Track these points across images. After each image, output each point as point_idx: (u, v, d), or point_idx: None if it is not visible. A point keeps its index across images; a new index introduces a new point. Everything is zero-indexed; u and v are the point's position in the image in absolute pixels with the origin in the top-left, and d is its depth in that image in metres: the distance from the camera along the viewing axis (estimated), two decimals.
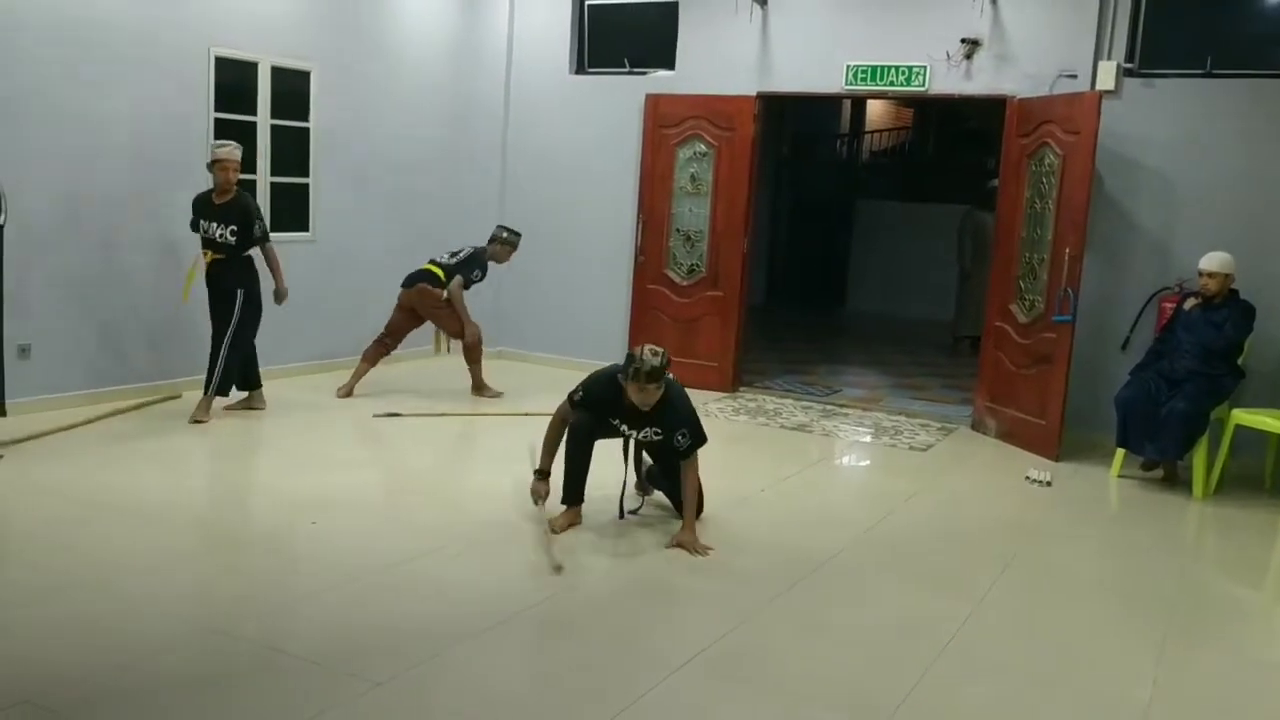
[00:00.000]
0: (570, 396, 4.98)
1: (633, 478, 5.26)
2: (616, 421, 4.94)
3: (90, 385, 6.75)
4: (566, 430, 4.98)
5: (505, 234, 7.99)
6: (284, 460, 5.92)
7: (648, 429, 4.89)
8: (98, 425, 6.32)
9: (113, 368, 6.88)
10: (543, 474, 5.04)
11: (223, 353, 6.56)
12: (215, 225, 6.50)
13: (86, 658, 3.49)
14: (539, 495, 5.00)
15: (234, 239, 6.50)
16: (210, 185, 6.59)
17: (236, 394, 6.88)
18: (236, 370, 6.71)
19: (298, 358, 8.13)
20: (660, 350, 4.70)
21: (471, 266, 7.81)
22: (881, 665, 3.75)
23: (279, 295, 6.75)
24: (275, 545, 4.79)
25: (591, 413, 4.91)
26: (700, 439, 4.90)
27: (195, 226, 6.62)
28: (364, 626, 3.84)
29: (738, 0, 8.20)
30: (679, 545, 4.81)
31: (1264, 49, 7.05)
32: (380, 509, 5.20)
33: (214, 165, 6.48)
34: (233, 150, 6.52)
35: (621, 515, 5.12)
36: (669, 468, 5.07)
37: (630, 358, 4.68)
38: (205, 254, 6.57)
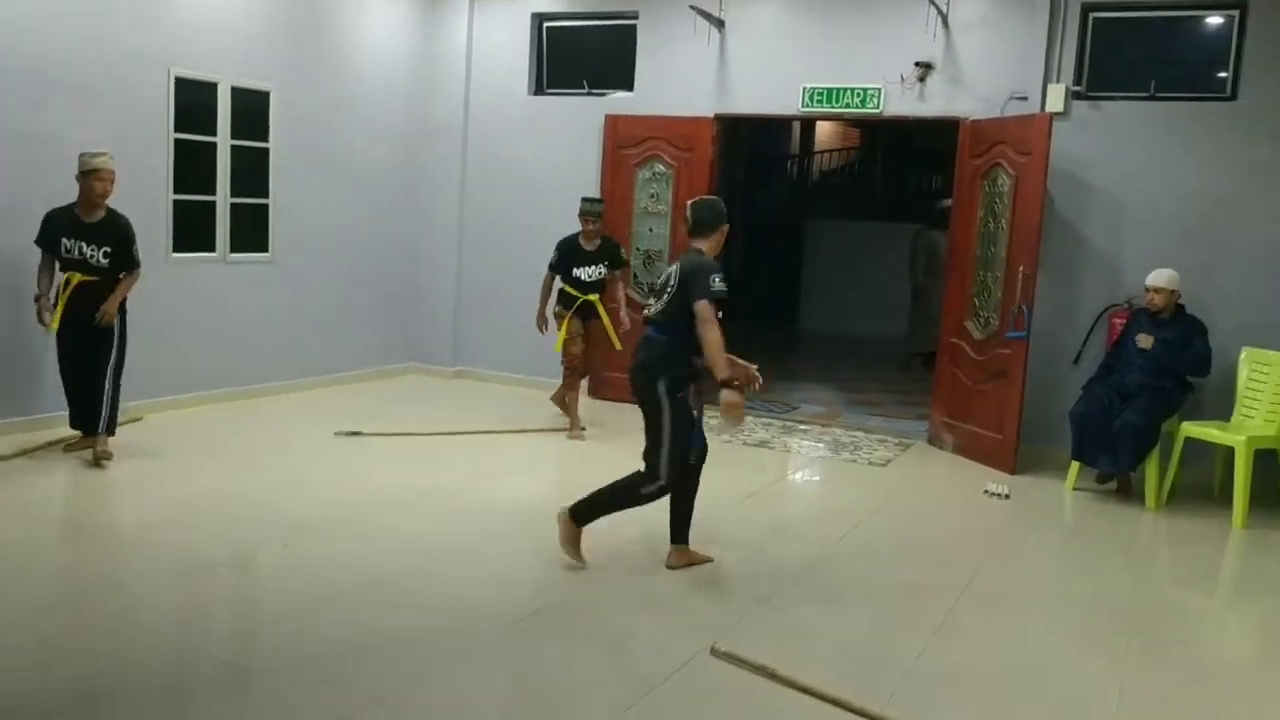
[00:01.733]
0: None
1: None
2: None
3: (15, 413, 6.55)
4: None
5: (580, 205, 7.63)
6: (247, 481, 5.86)
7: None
8: (41, 453, 6.23)
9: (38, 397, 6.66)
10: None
11: (108, 387, 6.02)
12: (85, 245, 5.88)
13: (63, 679, 3.46)
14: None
15: (107, 261, 5.93)
16: (75, 199, 5.93)
17: (72, 431, 6.22)
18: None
19: (256, 379, 8.06)
20: None
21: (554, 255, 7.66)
22: (854, 679, 3.79)
23: (102, 314, 5.90)
24: (250, 567, 4.77)
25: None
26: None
27: (51, 245, 5.93)
28: (354, 643, 3.84)
29: (695, 23, 8.32)
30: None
31: (1203, 73, 7.32)
32: (352, 528, 5.18)
33: (89, 175, 5.81)
34: (110, 160, 5.91)
35: None
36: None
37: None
38: (71, 276, 5.90)
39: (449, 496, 5.84)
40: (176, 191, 7.30)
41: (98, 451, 5.96)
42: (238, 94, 7.67)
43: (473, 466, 6.47)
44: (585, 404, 8.26)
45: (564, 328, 7.51)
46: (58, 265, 6.00)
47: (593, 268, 7.56)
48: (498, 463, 6.67)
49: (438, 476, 6.22)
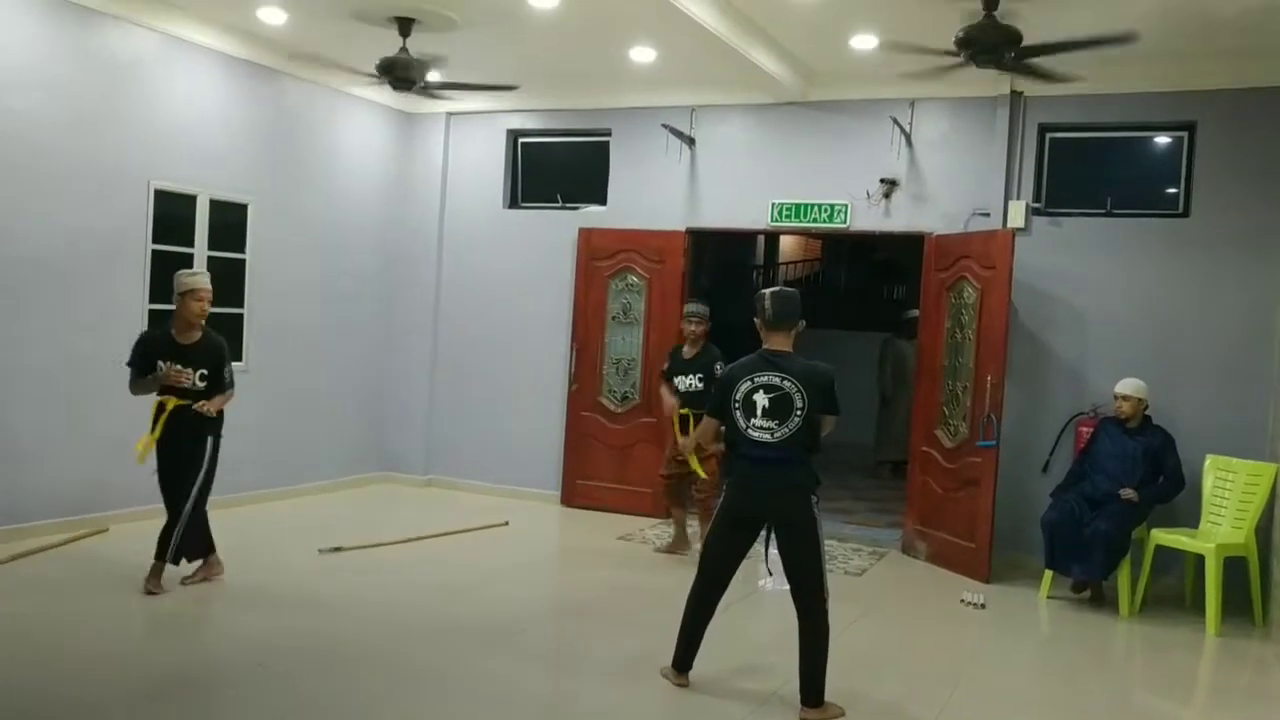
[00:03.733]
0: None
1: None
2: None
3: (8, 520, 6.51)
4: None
5: None
6: (228, 599, 5.78)
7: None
8: (22, 564, 6.09)
9: (32, 501, 6.68)
10: None
11: (188, 509, 5.70)
12: (181, 368, 5.65)
13: None
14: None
15: (204, 385, 5.68)
16: (170, 321, 5.76)
17: (187, 563, 5.91)
18: (204, 528, 5.89)
19: (228, 489, 7.93)
20: None
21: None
22: None
23: (203, 406, 5.65)
24: (223, 688, 4.67)
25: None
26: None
27: (147, 369, 5.69)
28: None
29: (667, 140, 8.56)
30: None
31: (1156, 190, 7.62)
32: (341, 647, 5.10)
33: (187, 296, 5.62)
34: (206, 278, 5.75)
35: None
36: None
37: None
38: (167, 400, 5.66)
39: (435, 609, 5.78)
40: (152, 301, 7.31)
41: (147, 583, 5.69)
42: (216, 206, 7.76)
43: (457, 576, 6.41)
44: (558, 512, 8.25)
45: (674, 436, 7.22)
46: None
47: (688, 378, 7.11)
48: (479, 572, 6.62)
49: (423, 587, 6.16)
